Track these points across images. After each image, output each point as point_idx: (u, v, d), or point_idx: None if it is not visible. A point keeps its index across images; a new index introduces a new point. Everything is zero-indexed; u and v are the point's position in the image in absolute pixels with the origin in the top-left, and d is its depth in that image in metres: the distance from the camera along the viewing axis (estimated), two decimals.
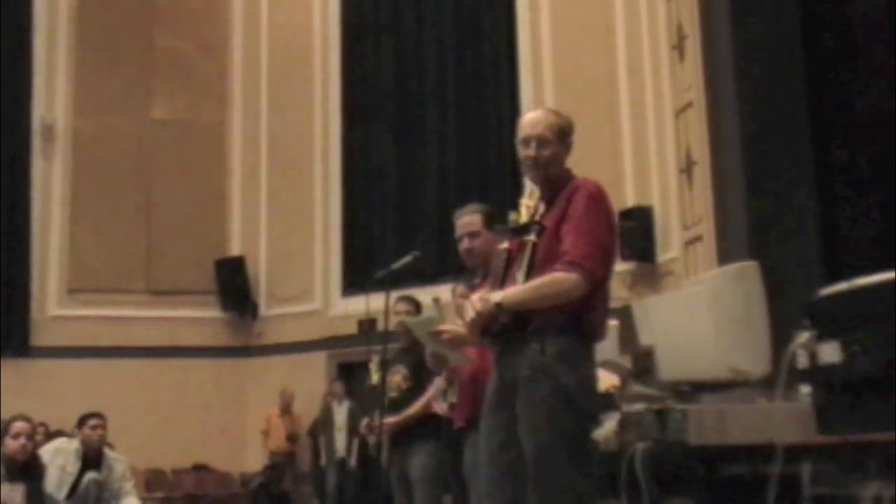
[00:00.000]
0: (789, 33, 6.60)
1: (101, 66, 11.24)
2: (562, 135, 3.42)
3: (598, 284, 3.24)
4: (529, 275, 3.25)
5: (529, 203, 3.42)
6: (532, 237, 3.30)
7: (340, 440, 10.02)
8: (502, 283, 3.35)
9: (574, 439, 3.17)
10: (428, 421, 5.07)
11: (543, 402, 3.16)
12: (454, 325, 3.53)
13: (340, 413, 10.04)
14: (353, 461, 9.92)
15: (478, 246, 4.19)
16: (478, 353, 3.84)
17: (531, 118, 3.46)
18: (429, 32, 10.89)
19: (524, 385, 3.21)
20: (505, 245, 3.44)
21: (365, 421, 5.75)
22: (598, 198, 3.31)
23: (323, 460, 10.17)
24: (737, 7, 6.90)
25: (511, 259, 3.38)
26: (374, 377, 5.18)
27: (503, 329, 3.24)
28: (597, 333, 3.32)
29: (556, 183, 3.41)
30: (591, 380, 3.30)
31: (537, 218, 3.35)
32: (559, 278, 3.18)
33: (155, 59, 11.40)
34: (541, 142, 3.39)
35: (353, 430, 9.64)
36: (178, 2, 11.57)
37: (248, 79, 11.60)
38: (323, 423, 10.16)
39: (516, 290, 3.23)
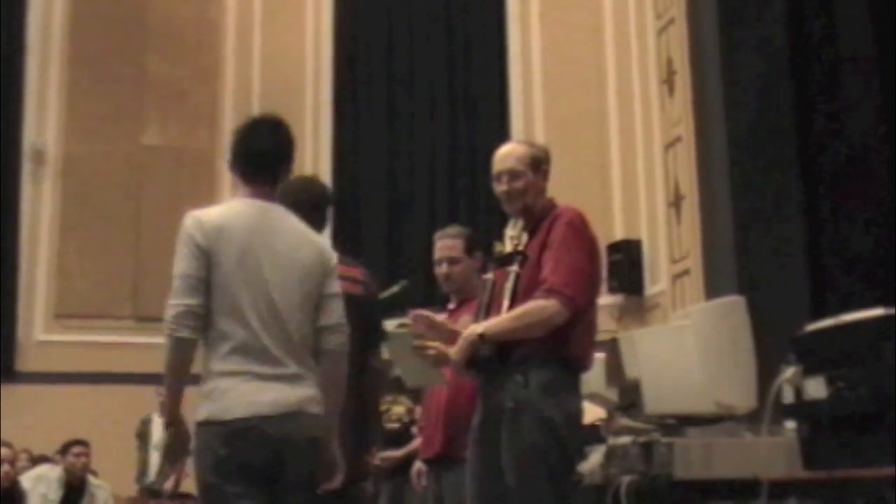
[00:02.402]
0: (778, 69, 6.66)
1: (93, 92, 11.24)
2: (535, 164, 3.43)
3: (579, 311, 3.23)
4: (513, 305, 3.25)
5: (513, 233, 3.44)
6: (515, 267, 3.31)
7: None
8: (487, 313, 3.35)
9: (558, 472, 3.16)
10: None
11: (527, 435, 3.16)
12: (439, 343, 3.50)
13: None
14: None
15: (456, 272, 4.15)
16: (454, 377, 3.83)
17: (501, 153, 3.48)
18: (420, 65, 10.93)
19: (508, 417, 3.20)
20: (490, 276, 3.44)
21: None
22: (577, 224, 3.32)
23: None
24: (726, 43, 6.96)
25: (495, 290, 3.39)
26: None
27: (486, 360, 3.23)
28: (581, 364, 3.32)
29: (537, 212, 3.41)
30: (576, 412, 3.29)
31: (520, 248, 3.36)
32: (539, 306, 3.19)
33: (147, 86, 11.41)
34: (512, 175, 3.40)
35: None
36: (171, 28, 11.60)
37: (240, 106, 11.59)
38: None
39: (498, 320, 3.23)
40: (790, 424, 2.98)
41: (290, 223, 3.16)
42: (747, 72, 6.80)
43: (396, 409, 5.42)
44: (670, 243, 7.84)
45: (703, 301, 6.55)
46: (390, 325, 5.13)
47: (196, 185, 11.41)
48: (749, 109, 6.76)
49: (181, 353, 3.05)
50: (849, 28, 6.29)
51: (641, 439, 3.33)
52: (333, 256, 3.23)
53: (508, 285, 3.30)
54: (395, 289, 5.00)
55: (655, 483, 3.16)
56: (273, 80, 11.50)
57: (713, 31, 7.08)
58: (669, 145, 7.86)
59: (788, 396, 2.77)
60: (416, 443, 5.20)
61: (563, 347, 3.23)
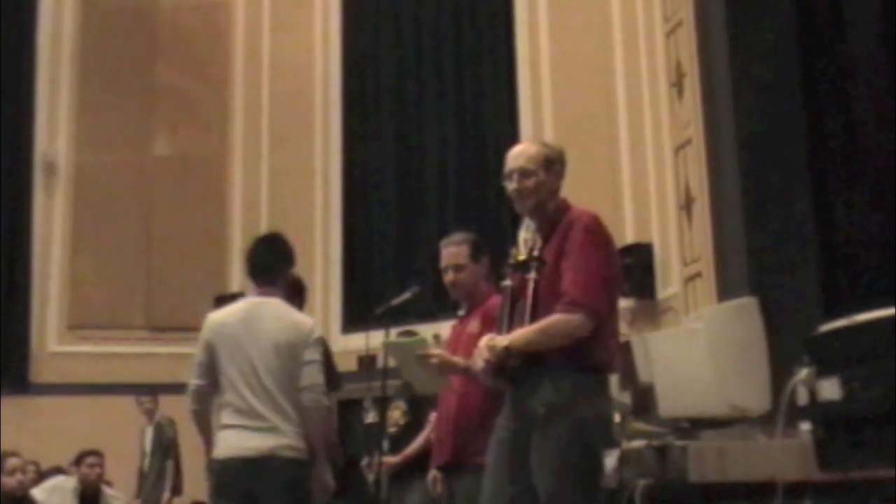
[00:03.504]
0: (788, 70, 6.64)
1: (104, 102, 11.29)
2: (548, 164, 3.41)
3: (602, 318, 3.23)
4: (534, 312, 3.24)
5: (526, 236, 3.42)
6: (533, 274, 3.30)
7: None
8: (509, 321, 3.33)
9: (588, 476, 3.15)
10: (427, 457, 5.03)
11: (559, 439, 3.14)
12: (443, 351, 3.52)
13: None
14: None
15: (462, 279, 4.17)
16: (463, 384, 3.83)
17: (513, 152, 3.48)
18: (429, 70, 10.94)
19: (540, 422, 3.18)
20: (508, 283, 3.42)
21: (364, 461, 5.71)
22: (594, 229, 3.31)
23: None
24: (736, 45, 6.95)
25: (516, 296, 3.37)
26: (370, 415, 5.20)
27: (515, 369, 3.22)
28: (609, 366, 3.31)
29: (551, 214, 3.40)
30: (608, 415, 3.28)
31: (535, 252, 3.34)
32: (563, 320, 3.18)
33: (156, 96, 11.46)
34: (522, 173, 3.39)
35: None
36: (181, 38, 11.65)
37: (250, 115, 11.66)
38: None
39: (523, 332, 3.22)
40: (805, 426, 2.97)
41: (275, 312, 4.27)
42: (757, 73, 6.79)
43: (394, 415, 5.44)
44: (682, 246, 7.82)
45: (716, 303, 6.53)
46: (394, 332, 5.15)
47: (206, 193, 11.45)
48: (759, 111, 6.74)
49: (196, 420, 4.30)
50: (858, 29, 6.27)
51: (655, 443, 3.31)
52: (312, 332, 4.24)
53: (528, 292, 3.28)
54: (406, 295, 5.01)
55: (670, 487, 3.15)
56: (282, 88, 11.54)
57: (722, 33, 7.06)
58: (679, 148, 7.84)
59: (802, 398, 2.75)
60: (413, 447, 5.21)
61: (590, 351, 3.23)
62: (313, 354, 4.21)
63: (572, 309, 3.16)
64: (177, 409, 9.60)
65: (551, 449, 3.15)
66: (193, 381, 4.25)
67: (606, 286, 3.27)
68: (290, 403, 4.13)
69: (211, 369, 4.22)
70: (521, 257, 3.37)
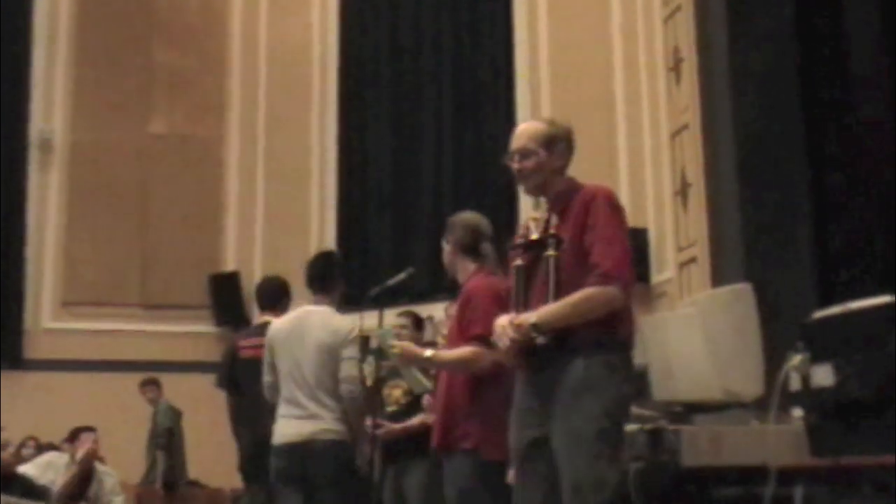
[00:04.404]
0: (785, 57, 6.64)
1: (100, 80, 11.25)
2: (550, 142, 3.36)
3: (631, 291, 3.21)
4: (557, 289, 3.19)
5: (537, 216, 3.38)
6: (551, 251, 3.24)
7: None
8: (525, 300, 3.28)
9: (615, 452, 3.13)
10: (425, 438, 5.02)
11: (588, 416, 3.08)
12: (408, 343, 3.53)
13: None
14: None
15: (446, 260, 4.21)
16: (445, 373, 3.84)
17: (517, 131, 3.44)
18: (427, 54, 10.92)
19: (567, 400, 3.13)
20: (518, 262, 3.37)
21: None
22: (615, 204, 3.29)
23: None
24: (733, 30, 6.94)
25: (530, 275, 3.32)
26: (368, 380, 5.18)
27: (543, 348, 3.17)
28: (630, 341, 3.27)
29: (560, 192, 3.35)
30: (631, 393, 3.25)
31: (551, 230, 3.29)
32: (597, 292, 3.12)
33: (153, 74, 11.42)
34: (523, 154, 3.35)
35: None
36: (178, 17, 11.60)
37: (247, 94, 11.62)
38: None
39: (552, 308, 3.14)
40: (797, 412, 2.98)
41: (321, 319, 4.90)
42: (754, 59, 6.79)
43: (394, 393, 5.44)
44: (677, 231, 7.83)
45: (710, 289, 6.54)
46: (390, 313, 5.16)
47: (202, 172, 11.42)
48: (756, 96, 6.74)
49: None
50: (856, 16, 6.27)
51: (649, 427, 3.33)
52: (350, 333, 4.83)
53: (549, 269, 3.22)
54: (401, 276, 5.00)
55: (663, 470, 3.17)
56: (279, 68, 11.50)
57: (720, 19, 7.06)
58: (676, 133, 7.84)
59: (796, 384, 2.77)
60: (415, 421, 5.22)
61: (619, 327, 3.19)
62: (349, 351, 4.82)
63: (606, 281, 3.10)
64: (183, 389, 9.71)
65: (578, 430, 3.09)
66: (264, 378, 4.98)
67: (630, 259, 3.24)
68: (329, 394, 4.76)
69: (274, 368, 4.94)
70: (535, 236, 3.32)
